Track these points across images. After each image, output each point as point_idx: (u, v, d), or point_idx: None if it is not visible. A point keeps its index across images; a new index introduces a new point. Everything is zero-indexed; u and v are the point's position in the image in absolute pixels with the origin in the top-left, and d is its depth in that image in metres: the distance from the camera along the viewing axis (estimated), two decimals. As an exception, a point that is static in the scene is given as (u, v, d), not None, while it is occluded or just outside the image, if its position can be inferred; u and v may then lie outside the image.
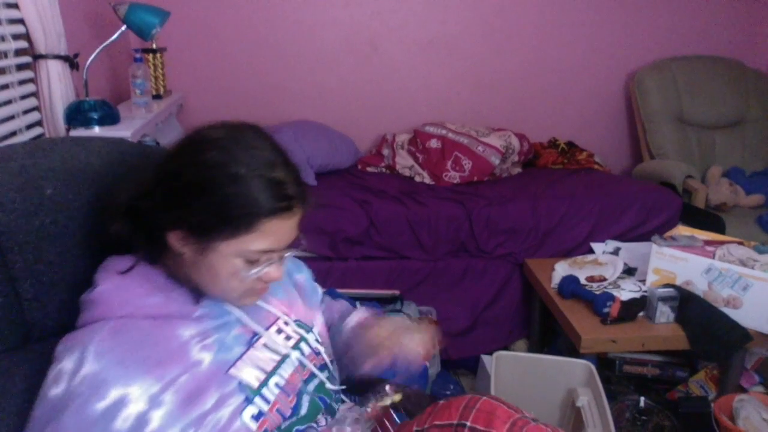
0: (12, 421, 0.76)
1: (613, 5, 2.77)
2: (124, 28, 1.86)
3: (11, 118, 1.56)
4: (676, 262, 1.77)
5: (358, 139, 2.72)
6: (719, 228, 2.16)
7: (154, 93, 2.29)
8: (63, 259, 0.86)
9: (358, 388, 1.04)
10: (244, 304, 0.88)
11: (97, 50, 1.83)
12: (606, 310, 1.72)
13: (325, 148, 2.45)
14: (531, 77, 2.84)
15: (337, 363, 1.03)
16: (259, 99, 2.75)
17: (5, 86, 1.54)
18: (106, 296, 0.80)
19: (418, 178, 2.51)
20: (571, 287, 1.84)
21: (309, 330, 0.99)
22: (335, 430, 0.90)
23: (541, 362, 1.66)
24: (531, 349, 2.20)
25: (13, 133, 1.57)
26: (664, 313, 1.73)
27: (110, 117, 1.79)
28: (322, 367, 0.97)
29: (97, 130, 1.73)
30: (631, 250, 2.07)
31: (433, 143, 2.53)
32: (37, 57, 1.65)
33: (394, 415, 0.99)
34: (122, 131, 1.75)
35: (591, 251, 2.15)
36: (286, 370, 0.89)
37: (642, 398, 1.72)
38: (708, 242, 1.84)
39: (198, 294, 0.84)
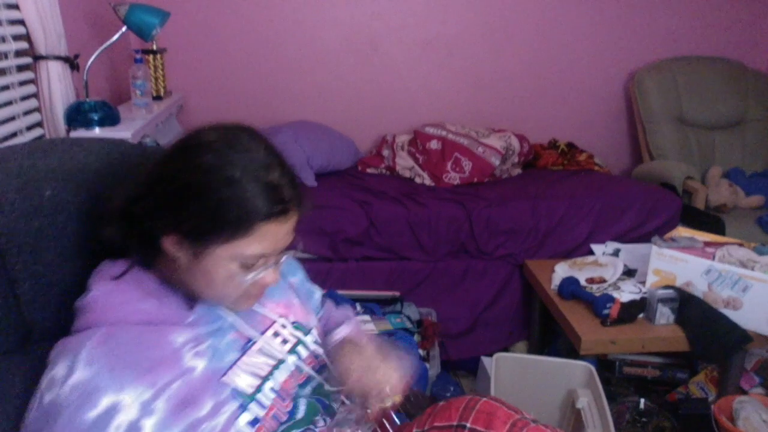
0: (11, 423, 0.76)
1: (613, 5, 2.77)
2: (124, 28, 1.86)
3: (12, 119, 1.56)
4: (675, 264, 1.77)
5: (358, 139, 2.72)
6: (719, 229, 2.16)
7: (154, 94, 2.29)
8: (62, 260, 0.86)
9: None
10: (239, 309, 0.87)
11: (98, 51, 1.83)
12: (606, 311, 1.72)
13: (325, 149, 2.45)
14: (531, 77, 2.84)
15: None
16: (259, 99, 2.75)
17: (6, 87, 1.54)
18: (98, 302, 0.80)
19: (418, 180, 2.51)
20: (571, 288, 1.84)
21: (307, 332, 0.98)
22: (335, 431, 0.90)
23: (541, 363, 1.66)
24: (531, 351, 2.20)
25: (14, 134, 1.57)
26: (664, 315, 1.73)
27: (110, 118, 1.79)
28: (322, 368, 0.96)
29: (97, 131, 1.73)
30: (630, 252, 2.07)
31: (433, 144, 2.53)
32: (38, 58, 1.65)
33: (394, 417, 0.99)
34: (122, 132, 1.75)
35: (591, 252, 2.15)
36: (282, 374, 0.88)
37: (642, 400, 1.72)
38: (708, 243, 1.84)
39: (192, 299, 0.84)
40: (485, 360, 1.84)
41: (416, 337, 1.83)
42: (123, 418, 0.71)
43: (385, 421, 0.94)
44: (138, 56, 2.00)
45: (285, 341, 0.93)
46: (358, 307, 1.87)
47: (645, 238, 2.12)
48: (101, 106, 1.77)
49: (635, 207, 2.22)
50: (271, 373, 0.87)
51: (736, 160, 2.73)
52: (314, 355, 0.96)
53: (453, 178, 2.45)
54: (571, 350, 1.74)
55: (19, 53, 1.60)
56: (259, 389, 0.84)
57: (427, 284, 2.16)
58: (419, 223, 2.12)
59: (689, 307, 1.71)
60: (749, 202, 2.50)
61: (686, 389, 1.95)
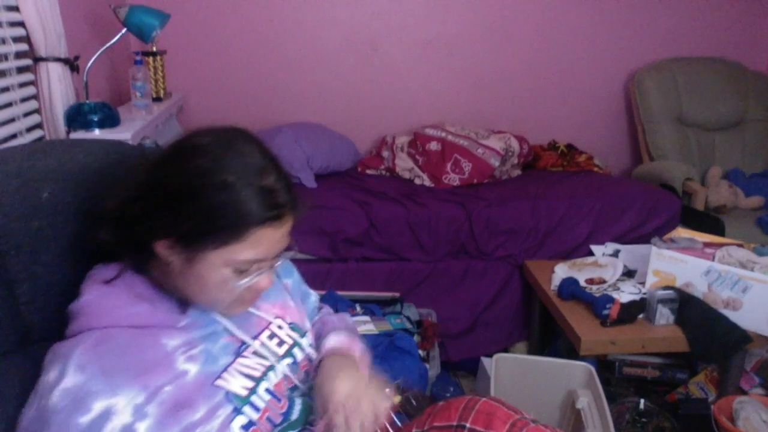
0: (9, 425, 0.76)
1: (613, 5, 2.77)
2: (124, 30, 1.86)
3: (12, 120, 1.56)
4: (675, 264, 1.77)
5: (358, 140, 2.73)
6: (719, 230, 2.16)
7: (154, 95, 2.29)
8: (61, 261, 0.86)
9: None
10: (233, 314, 0.86)
11: (98, 53, 1.83)
12: (606, 312, 1.72)
13: (325, 150, 2.46)
14: (531, 78, 2.84)
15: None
16: (259, 100, 2.75)
17: (6, 89, 1.54)
18: (90, 306, 0.79)
19: (417, 181, 2.51)
20: (570, 289, 1.84)
21: (303, 334, 0.97)
22: None
23: (540, 364, 1.66)
24: (531, 351, 2.20)
25: (14, 136, 1.57)
26: (664, 315, 1.73)
27: (110, 119, 1.79)
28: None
29: (97, 133, 1.73)
30: (630, 252, 2.07)
31: (433, 145, 2.53)
32: (38, 59, 1.65)
33: (394, 417, 0.99)
34: (122, 133, 1.75)
35: (591, 253, 2.15)
36: (277, 375, 0.88)
37: (642, 400, 1.72)
38: (707, 244, 1.84)
39: (185, 303, 0.83)
40: (485, 360, 1.84)
41: (416, 338, 1.82)
42: (116, 422, 0.70)
43: (385, 422, 0.94)
44: (138, 58, 2.01)
45: (281, 342, 0.92)
46: (358, 308, 1.87)
47: (645, 239, 2.12)
48: (101, 107, 1.77)
49: (635, 207, 2.22)
50: (265, 374, 0.86)
51: (735, 161, 2.73)
52: (309, 358, 0.95)
53: (452, 179, 2.45)
54: (571, 351, 1.74)
55: (19, 55, 1.60)
56: (253, 391, 0.83)
57: (427, 285, 2.16)
58: (419, 223, 2.13)
59: (689, 308, 1.71)
60: (749, 203, 2.50)
61: (686, 389, 1.95)
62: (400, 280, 2.15)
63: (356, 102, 2.81)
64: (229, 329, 0.86)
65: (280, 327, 0.94)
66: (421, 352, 1.79)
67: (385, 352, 1.69)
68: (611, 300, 1.74)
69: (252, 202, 0.75)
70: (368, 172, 2.61)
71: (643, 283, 1.87)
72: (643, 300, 1.77)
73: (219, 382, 0.80)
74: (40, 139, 1.67)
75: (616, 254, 2.08)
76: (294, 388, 0.91)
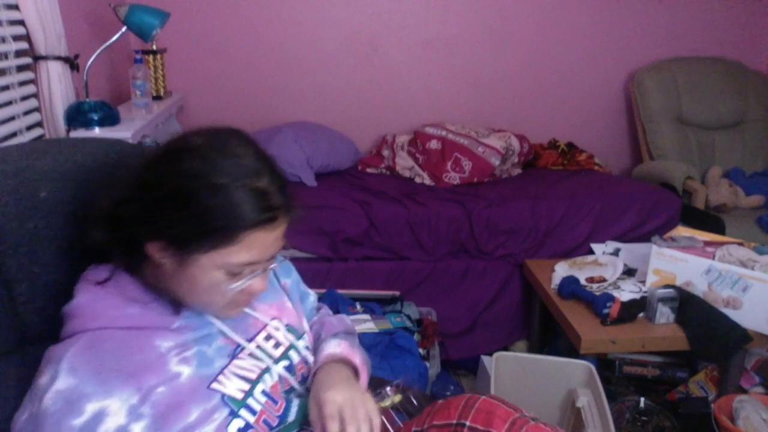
0: (7, 426, 0.75)
1: (613, 5, 2.77)
2: (124, 29, 1.86)
3: (12, 119, 1.56)
4: (676, 263, 1.77)
5: (358, 139, 2.72)
6: (719, 229, 2.16)
7: (154, 94, 2.29)
8: (59, 261, 0.85)
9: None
10: (227, 317, 0.85)
11: (98, 51, 1.83)
12: (606, 310, 1.72)
13: (325, 149, 2.45)
14: (531, 77, 2.84)
15: None
16: (259, 99, 2.75)
17: (6, 87, 1.55)
18: (82, 308, 0.79)
19: (418, 180, 2.51)
20: (571, 288, 1.84)
21: (300, 336, 0.96)
22: None
23: (541, 363, 1.66)
24: (531, 350, 2.20)
25: (14, 134, 1.58)
26: (664, 314, 1.73)
27: (110, 118, 1.79)
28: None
29: (97, 132, 1.73)
30: (631, 251, 2.07)
31: (433, 144, 2.53)
32: (38, 58, 1.65)
33: (394, 416, 0.99)
34: (122, 132, 1.75)
35: (591, 252, 2.15)
36: (273, 378, 0.87)
37: (642, 399, 1.72)
38: (708, 243, 1.84)
39: (178, 305, 0.82)
40: (485, 359, 1.84)
41: (416, 337, 1.82)
42: (110, 424, 0.70)
43: (385, 421, 0.93)
44: (138, 56, 2.01)
45: (278, 344, 0.92)
46: (358, 307, 1.87)
47: (645, 238, 2.12)
48: (101, 106, 1.77)
49: (635, 207, 2.22)
50: (261, 377, 0.85)
51: (736, 160, 2.73)
52: (305, 361, 0.94)
53: (453, 178, 2.45)
54: (571, 349, 1.74)
55: (19, 53, 1.61)
56: (249, 393, 0.83)
57: (427, 284, 2.16)
58: (419, 223, 2.13)
59: (689, 307, 1.71)
60: (749, 202, 2.49)
61: (686, 388, 1.95)
62: (401, 280, 2.15)
63: (356, 102, 2.81)
64: (224, 331, 0.85)
65: (276, 329, 0.93)
66: (421, 350, 1.79)
67: (385, 350, 1.69)
68: (611, 299, 1.74)
69: (244, 205, 0.74)
70: (368, 170, 2.61)
71: (643, 282, 1.87)
72: (643, 299, 1.77)
73: (215, 385, 0.80)
74: (40, 137, 1.67)
75: (616, 253, 2.08)
76: (290, 390, 0.90)
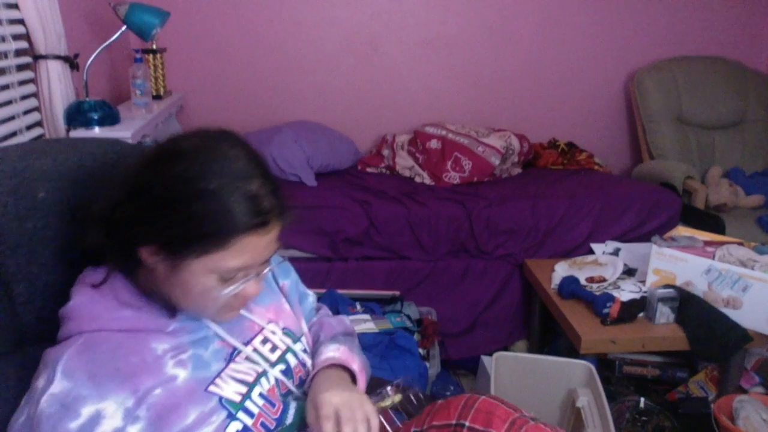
0: (5, 427, 0.75)
1: (613, 5, 2.77)
2: (124, 28, 1.86)
3: (11, 118, 1.56)
4: (676, 263, 1.77)
5: (358, 139, 2.72)
6: (719, 228, 2.16)
7: (154, 93, 2.29)
8: (57, 261, 0.85)
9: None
10: (221, 320, 0.85)
11: (98, 50, 1.83)
12: (606, 310, 1.72)
13: (325, 149, 2.45)
14: (531, 77, 2.84)
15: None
16: (259, 99, 2.75)
17: (5, 87, 1.54)
18: (78, 311, 0.78)
19: (418, 179, 2.51)
20: (571, 288, 1.84)
21: (297, 339, 0.96)
22: None
23: (541, 363, 1.65)
24: (531, 350, 2.20)
25: (14, 134, 1.57)
26: (664, 314, 1.73)
27: (110, 117, 1.79)
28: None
29: (97, 131, 1.73)
30: (631, 251, 2.07)
31: (433, 144, 2.53)
32: (38, 57, 1.65)
33: (394, 416, 0.99)
34: (122, 132, 1.75)
35: (591, 252, 2.15)
36: (270, 381, 0.87)
37: (642, 399, 1.72)
38: (708, 243, 1.84)
39: (172, 309, 0.81)
40: (485, 359, 1.84)
41: (416, 337, 1.82)
42: (107, 427, 0.70)
43: (384, 421, 0.93)
44: (138, 56, 2.00)
45: (274, 348, 0.91)
46: (358, 306, 1.87)
47: (645, 238, 2.12)
48: (101, 105, 1.77)
49: (635, 207, 2.22)
50: (258, 380, 0.85)
51: (736, 160, 2.73)
52: (302, 364, 0.94)
53: (453, 177, 2.45)
54: (571, 349, 1.73)
55: (18, 53, 1.60)
56: (247, 396, 0.82)
57: (427, 284, 2.16)
58: (419, 222, 2.12)
59: (689, 307, 1.71)
60: (749, 202, 2.49)
61: (686, 388, 1.95)
62: (400, 279, 2.14)
63: (356, 102, 2.81)
64: (220, 334, 0.85)
65: (273, 332, 0.92)
66: (421, 350, 1.79)
67: (385, 350, 1.69)
68: (611, 299, 1.73)
69: (235, 209, 0.73)
70: (368, 170, 2.61)
71: (643, 282, 1.86)
72: (643, 299, 1.77)
73: (212, 388, 0.79)
74: (40, 137, 1.67)
75: (616, 253, 2.08)
76: (288, 393, 0.90)
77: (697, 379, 1.95)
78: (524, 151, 2.59)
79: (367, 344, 1.65)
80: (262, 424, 0.83)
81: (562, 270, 2.00)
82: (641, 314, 1.77)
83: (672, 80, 2.71)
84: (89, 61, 1.81)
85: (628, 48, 2.83)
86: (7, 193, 0.81)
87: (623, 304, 1.73)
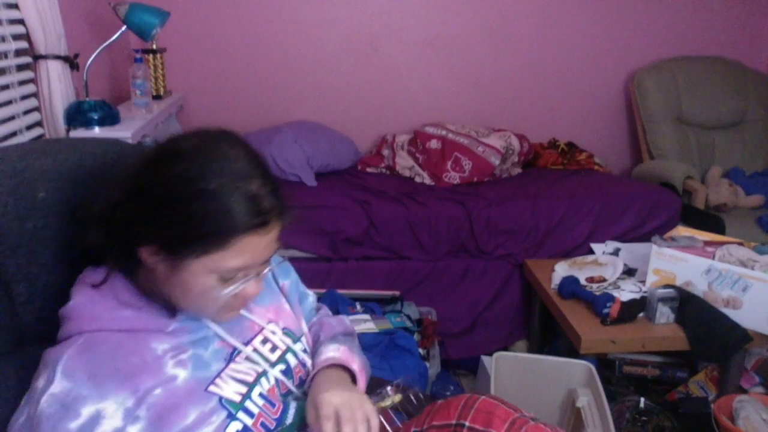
0: (5, 427, 0.75)
1: (613, 5, 2.77)
2: (124, 28, 1.86)
3: (11, 118, 1.56)
4: (676, 263, 1.77)
5: (358, 139, 2.72)
6: (719, 228, 2.16)
7: (154, 93, 2.29)
8: (57, 261, 0.85)
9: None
10: (221, 320, 0.85)
11: (98, 51, 1.83)
12: (606, 310, 1.72)
13: (325, 149, 2.45)
14: (531, 77, 2.84)
15: None
16: (259, 99, 2.75)
17: (5, 87, 1.54)
18: (78, 310, 0.78)
19: (418, 179, 2.51)
20: (570, 288, 1.84)
21: (297, 339, 0.96)
22: None
23: (541, 363, 1.66)
24: (531, 350, 2.20)
25: (14, 134, 1.57)
26: (664, 314, 1.73)
27: (110, 117, 1.79)
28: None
29: (97, 131, 1.73)
30: (631, 251, 2.07)
31: (433, 144, 2.53)
32: (38, 57, 1.65)
33: (394, 417, 0.99)
34: (122, 132, 1.75)
35: (591, 252, 2.15)
36: (269, 381, 0.87)
37: (642, 399, 1.72)
38: (708, 243, 1.84)
39: (172, 309, 0.81)
40: (485, 359, 1.84)
41: (416, 337, 1.82)
42: (107, 427, 0.70)
43: (384, 421, 0.93)
44: (138, 56, 2.00)
45: (274, 348, 0.91)
46: (358, 306, 1.87)
47: (645, 238, 2.12)
48: (101, 105, 1.77)
49: (635, 207, 2.22)
50: (258, 380, 0.85)
51: (736, 160, 2.73)
52: (302, 364, 0.94)
53: (453, 177, 2.45)
54: (571, 349, 1.73)
55: (18, 53, 1.60)
56: (247, 396, 0.82)
57: (427, 284, 2.16)
58: (419, 222, 2.12)
59: (689, 307, 1.71)
60: (749, 202, 2.49)
61: (686, 388, 1.95)
62: (400, 279, 2.14)
63: (356, 102, 2.81)
64: (220, 334, 0.85)
65: (273, 332, 0.92)
66: (421, 350, 1.79)
67: (385, 350, 1.69)
68: (611, 299, 1.73)
69: (235, 210, 0.73)
70: (368, 170, 2.61)
71: (643, 282, 1.86)
72: (643, 299, 1.77)
73: (212, 388, 0.79)
74: (40, 137, 1.67)
75: (616, 253, 2.08)
76: (288, 393, 0.90)
77: (697, 379, 1.95)
78: (524, 151, 2.59)
79: (367, 344, 1.65)
80: (262, 424, 0.83)
81: (562, 270, 2.00)
82: (641, 314, 1.77)
83: (672, 80, 2.71)
84: (89, 61, 1.81)
85: (628, 48, 2.83)
86: (7, 193, 0.81)
87: (623, 304, 1.73)
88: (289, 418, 0.87)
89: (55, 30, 1.64)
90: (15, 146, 0.91)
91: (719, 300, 1.71)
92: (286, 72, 2.73)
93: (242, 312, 0.89)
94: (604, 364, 2.00)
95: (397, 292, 2.04)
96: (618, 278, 1.89)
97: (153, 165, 0.77)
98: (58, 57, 1.67)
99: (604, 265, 1.99)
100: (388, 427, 0.94)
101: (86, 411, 0.70)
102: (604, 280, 1.89)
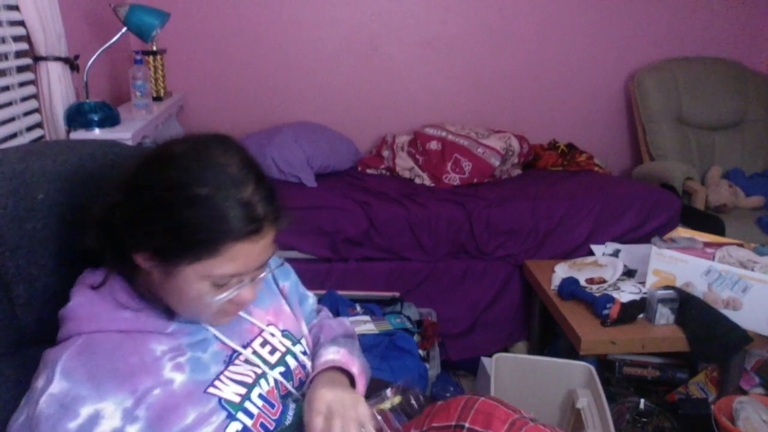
0: (4, 427, 0.75)
1: (613, 5, 2.77)
2: (124, 29, 1.86)
3: (12, 120, 1.56)
4: (675, 264, 1.77)
5: (358, 139, 2.73)
6: (719, 229, 2.16)
7: (154, 95, 2.29)
8: (56, 263, 0.85)
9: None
10: (217, 325, 0.85)
11: (98, 52, 1.83)
12: (606, 311, 1.72)
13: (325, 150, 2.46)
14: (531, 78, 2.84)
15: None
16: (259, 100, 2.75)
17: (6, 88, 1.54)
18: (77, 311, 0.79)
19: (418, 180, 2.51)
20: (570, 289, 1.84)
21: (296, 342, 0.96)
22: None
23: (541, 364, 1.65)
24: (531, 351, 2.20)
25: (14, 135, 1.58)
26: (664, 315, 1.73)
27: (110, 119, 1.79)
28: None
29: (97, 132, 1.73)
30: (630, 252, 2.07)
31: (433, 145, 2.53)
32: (38, 59, 1.65)
33: (393, 418, 0.99)
34: (122, 133, 1.75)
35: (591, 253, 2.15)
36: (269, 383, 0.87)
37: (642, 400, 1.72)
38: (708, 244, 1.84)
39: (171, 312, 0.81)
40: (485, 360, 1.84)
41: (416, 338, 1.82)
42: (106, 427, 0.70)
43: (383, 423, 0.93)
44: (138, 57, 2.01)
45: (274, 350, 0.91)
46: (358, 308, 1.87)
47: (645, 239, 2.12)
48: (101, 107, 1.77)
49: (635, 207, 2.22)
50: (257, 382, 0.85)
51: (735, 161, 2.73)
52: (302, 366, 0.94)
53: (453, 178, 2.45)
54: (571, 350, 1.74)
55: (19, 54, 1.60)
56: (246, 397, 0.82)
57: (427, 284, 2.16)
58: (419, 223, 2.13)
59: (689, 308, 1.71)
60: (749, 203, 2.49)
61: (686, 389, 1.95)
62: (400, 280, 2.15)
63: (356, 102, 2.81)
64: (219, 337, 0.85)
65: (272, 335, 0.92)
66: (421, 351, 1.79)
67: (385, 351, 1.69)
68: (611, 300, 1.74)
69: (227, 216, 0.72)
70: (368, 171, 2.61)
71: (643, 283, 1.86)
72: (643, 300, 1.77)
73: (211, 389, 0.79)
74: (41, 138, 1.67)
75: (616, 254, 2.08)
76: (287, 394, 0.90)
77: (697, 380, 1.95)
78: (524, 153, 2.59)
79: (367, 345, 1.65)
80: (262, 425, 0.83)
81: (561, 271, 2.00)
82: (641, 315, 1.77)
83: (672, 80, 2.71)
84: (89, 63, 1.81)
85: (628, 48, 2.83)
86: (6, 194, 0.81)
87: (623, 305, 1.73)
88: (289, 419, 0.88)
89: (56, 31, 1.65)
90: (15, 148, 0.91)
91: (719, 301, 1.71)
92: (286, 72, 2.73)
93: (242, 314, 0.89)
94: (604, 365, 2.00)
95: (397, 293, 2.04)
96: (618, 279, 1.89)
97: (144, 170, 0.76)
98: (58, 58, 1.67)
99: (603, 266, 1.99)
100: (387, 429, 0.94)
101: (85, 411, 0.70)
102: (604, 281, 1.89)
